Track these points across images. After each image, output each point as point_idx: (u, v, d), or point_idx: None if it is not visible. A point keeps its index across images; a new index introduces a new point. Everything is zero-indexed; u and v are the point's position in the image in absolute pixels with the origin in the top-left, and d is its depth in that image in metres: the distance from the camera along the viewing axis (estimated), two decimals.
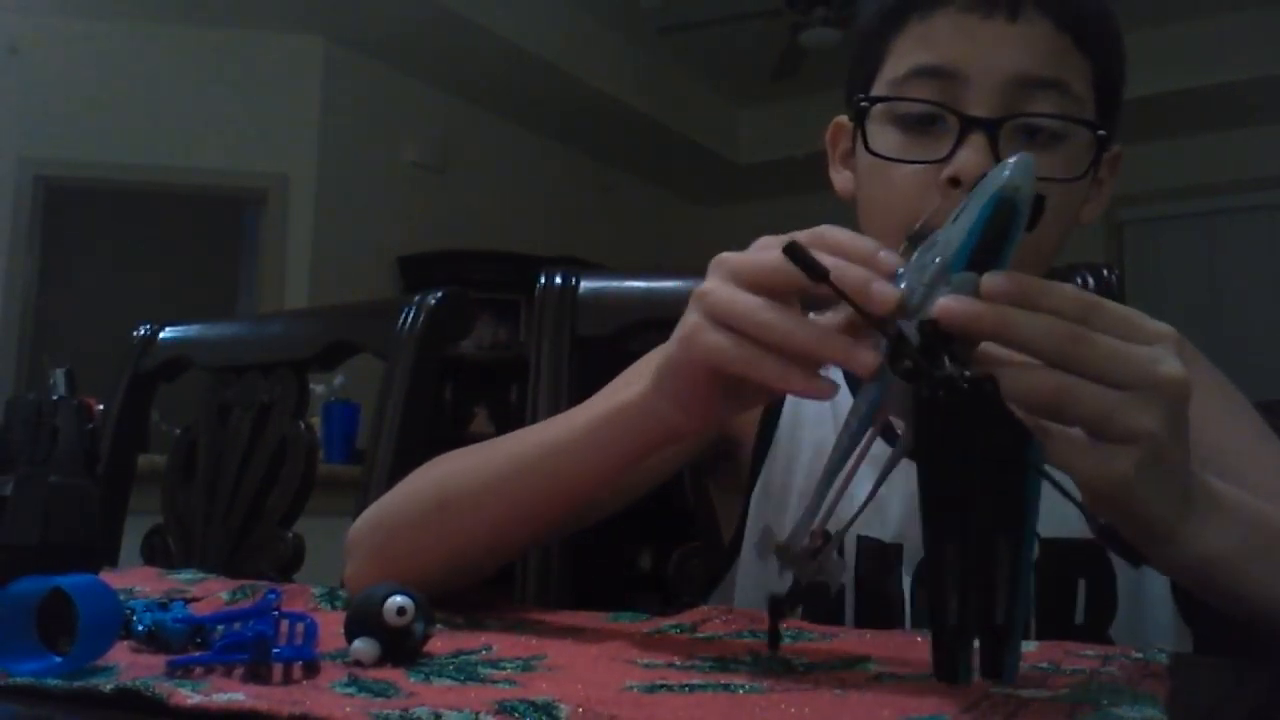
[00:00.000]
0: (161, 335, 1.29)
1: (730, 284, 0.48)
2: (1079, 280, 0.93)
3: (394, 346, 1.05)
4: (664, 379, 0.53)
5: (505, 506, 0.63)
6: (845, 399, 0.74)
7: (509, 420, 4.00)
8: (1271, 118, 4.80)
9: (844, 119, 0.76)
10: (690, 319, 0.50)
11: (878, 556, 0.70)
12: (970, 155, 0.63)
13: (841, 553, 0.69)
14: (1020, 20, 0.65)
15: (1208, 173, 5.11)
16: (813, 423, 0.74)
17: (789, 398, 0.76)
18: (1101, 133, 0.66)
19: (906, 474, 0.71)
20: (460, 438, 0.75)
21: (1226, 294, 5.12)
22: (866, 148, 0.68)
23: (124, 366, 1.28)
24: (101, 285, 5.11)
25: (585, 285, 1.01)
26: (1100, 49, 0.68)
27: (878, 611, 0.69)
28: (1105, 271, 0.93)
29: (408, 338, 1.05)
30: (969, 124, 0.64)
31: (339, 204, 4.33)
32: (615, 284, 1.01)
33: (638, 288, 1.01)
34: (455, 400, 4.46)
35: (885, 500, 0.71)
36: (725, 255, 0.50)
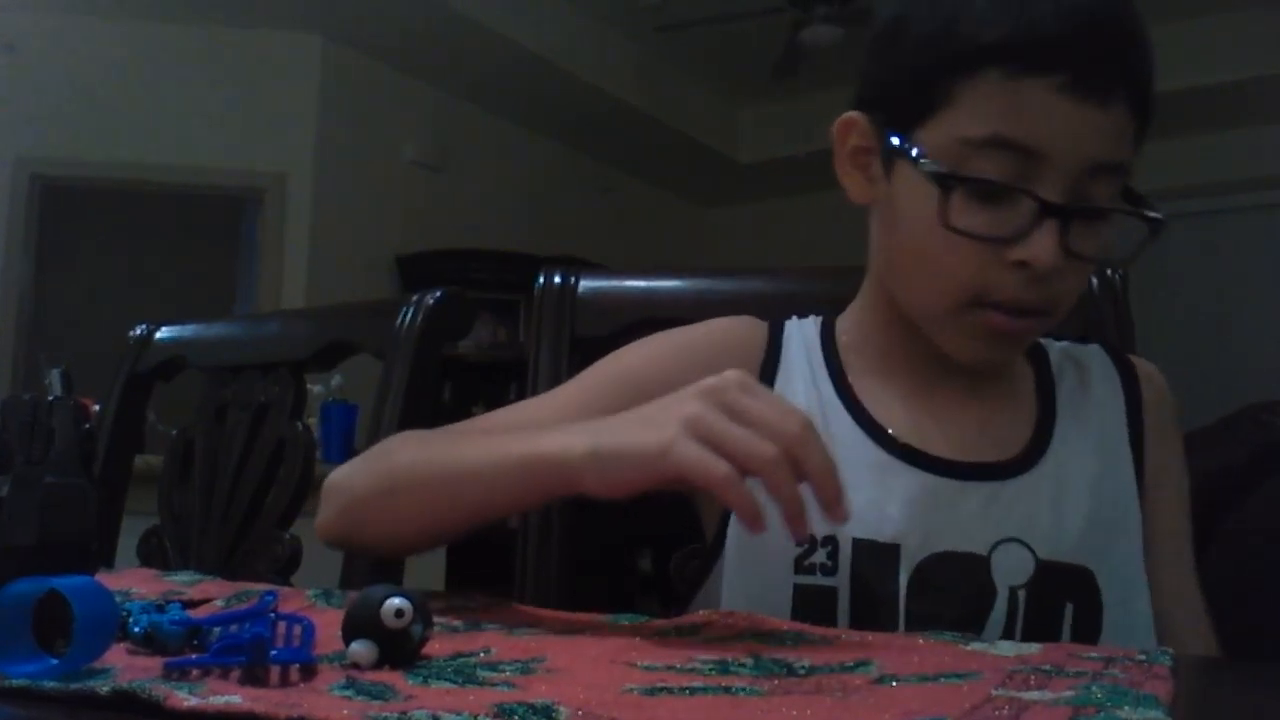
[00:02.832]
0: (158, 335, 1.29)
1: (724, 417, 0.56)
2: None
3: (392, 346, 1.05)
4: (612, 457, 0.58)
5: (437, 510, 0.69)
6: (831, 398, 0.75)
7: None
8: (1271, 118, 4.80)
9: (856, 115, 0.73)
10: (673, 431, 0.56)
11: (874, 557, 0.70)
12: (1044, 243, 0.65)
13: (837, 553, 0.70)
14: (1109, 107, 0.65)
15: (1208, 173, 5.10)
16: None
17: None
18: (1157, 218, 0.69)
19: (904, 477, 0.71)
20: None
21: (1227, 294, 5.13)
22: (944, 223, 0.66)
23: (120, 367, 1.28)
24: (98, 285, 5.11)
25: (585, 285, 1.00)
26: (1151, 118, 0.68)
27: (871, 612, 0.69)
28: (1109, 271, 0.93)
29: (406, 337, 1.05)
30: (1046, 210, 0.65)
31: (337, 203, 4.33)
32: (615, 284, 1.01)
33: (637, 288, 1.00)
34: (454, 400, 4.46)
35: (883, 502, 0.71)
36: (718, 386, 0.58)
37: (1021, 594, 0.69)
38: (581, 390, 0.78)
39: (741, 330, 0.80)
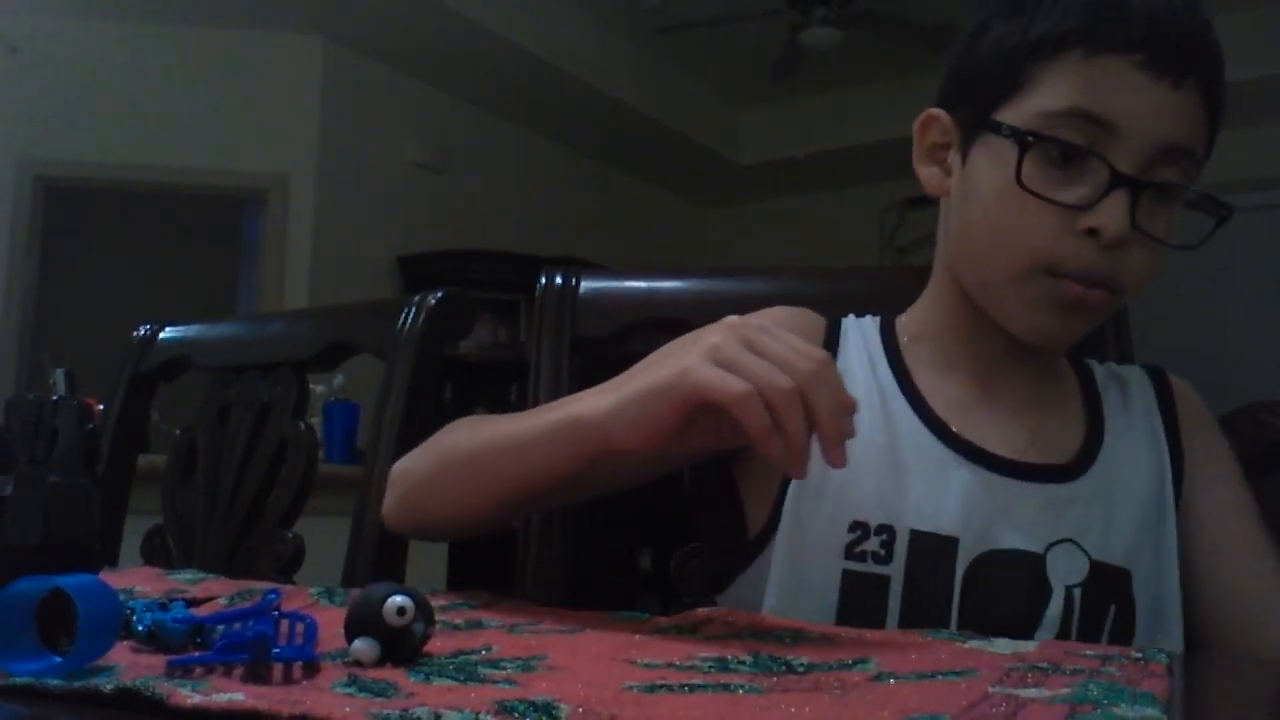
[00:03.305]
0: (161, 335, 1.29)
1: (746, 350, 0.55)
2: None
3: (394, 346, 1.05)
4: (636, 400, 0.58)
5: (485, 484, 0.70)
6: (891, 388, 0.75)
7: None
8: (1271, 118, 4.80)
9: (937, 112, 0.77)
10: (694, 359, 0.56)
11: (932, 549, 0.70)
12: (1113, 211, 0.67)
13: (893, 542, 0.71)
14: (1181, 89, 0.68)
15: (1208, 173, 5.07)
16: None
17: None
18: (1225, 205, 0.71)
19: (963, 472, 0.72)
20: None
21: (1227, 294, 5.12)
22: (1019, 181, 0.68)
23: (124, 367, 1.28)
24: (101, 285, 5.11)
25: (585, 285, 1.00)
26: (1220, 119, 0.71)
27: (925, 603, 0.69)
28: None
29: (407, 338, 1.05)
30: (1118, 180, 0.67)
31: (339, 204, 4.33)
32: (615, 284, 1.01)
33: (638, 288, 1.00)
34: (455, 400, 4.46)
35: (941, 495, 0.72)
36: (739, 322, 0.58)
37: (1077, 593, 0.70)
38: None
39: (798, 320, 0.81)
